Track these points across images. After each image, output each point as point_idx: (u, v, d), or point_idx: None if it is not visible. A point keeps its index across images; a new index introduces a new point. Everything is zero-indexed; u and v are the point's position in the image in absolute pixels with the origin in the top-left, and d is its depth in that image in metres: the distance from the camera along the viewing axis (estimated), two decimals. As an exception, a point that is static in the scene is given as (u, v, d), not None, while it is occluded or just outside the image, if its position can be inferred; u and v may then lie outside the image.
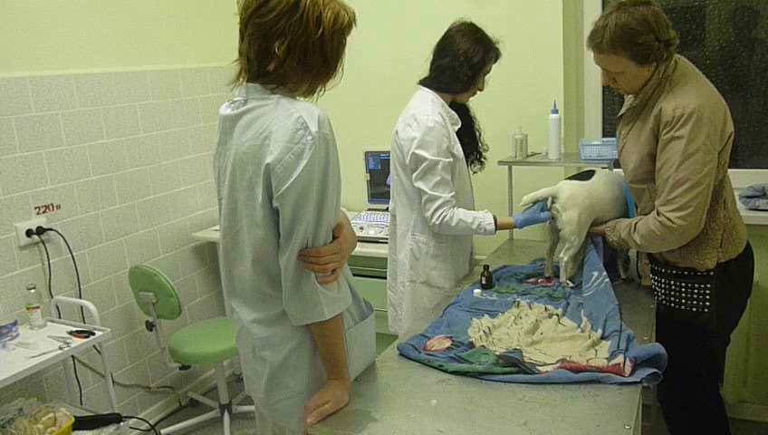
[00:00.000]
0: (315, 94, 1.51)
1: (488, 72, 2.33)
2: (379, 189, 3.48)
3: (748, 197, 2.70)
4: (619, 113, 2.12)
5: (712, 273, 1.95)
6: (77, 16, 2.87)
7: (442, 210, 2.21)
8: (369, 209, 3.52)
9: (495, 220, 2.25)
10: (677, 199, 1.83)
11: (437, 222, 2.22)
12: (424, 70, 2.36)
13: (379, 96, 3.37)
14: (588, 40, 1.94)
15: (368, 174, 3.51)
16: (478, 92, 2.37)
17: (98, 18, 2.96)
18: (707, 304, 1.97)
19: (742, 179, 2.79)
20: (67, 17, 2.83)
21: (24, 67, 2.68)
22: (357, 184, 3.54)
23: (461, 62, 2.24)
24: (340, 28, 1.44)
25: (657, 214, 1.89)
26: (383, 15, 3.30)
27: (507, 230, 2.84)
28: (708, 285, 1.96)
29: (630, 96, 2.04)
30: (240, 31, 1.45)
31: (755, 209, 2.65)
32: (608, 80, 1.99)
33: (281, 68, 1.41)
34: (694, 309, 1.99)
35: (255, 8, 1.40)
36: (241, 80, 1.49)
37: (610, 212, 2.19)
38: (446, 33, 2.32)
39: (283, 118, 1.39)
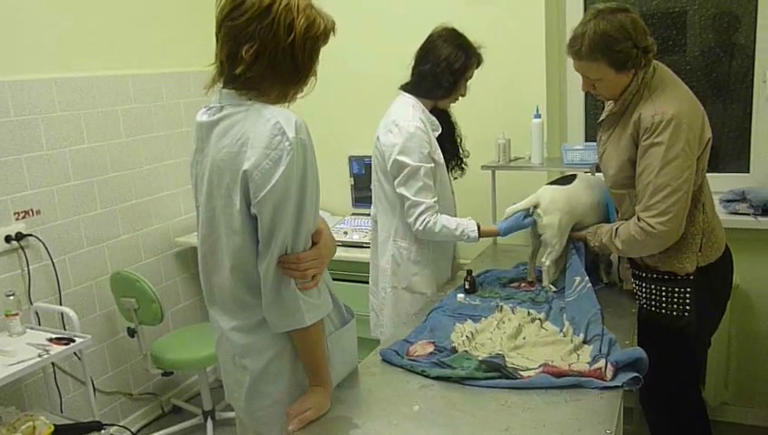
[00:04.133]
0: (287, 101, 1.50)
1: (470, 77, 2.33)
2: (363, 194, 3.47)
3: (728, 201, 2.73)
4: (599, 119, 2.13)
5: (692, 277, 1.97)
6: (57, 20, 2.84)
7: (425, 216, 2.21)
8: (354, 214, 3.51)
9: (479, 227, 2.25)
10: (658, 205, 1.84)
11: (421, 228, 2.22)
12: (408, 74, 2.36)
13: (364, 101, 3.36)
14: (567, 47, 1.95)
15: (352, 178, 3.50)
16: (460, 98, 2.37)
17: (79, 22, 2.93)
18: (687, 307, 1.99)
19: (722, 184, 2.81)
20: (47, 21, 2.80)
21: (3, 71, 2.65)
22: (341, 189, 3.53)
23: (442, 68, 2.25)
24: (314, 36, 1.43)
25: (638, 219, 1.90)
26: (367, 20, 3.30)
27: (491, 234, 2.84)
28: (688, 289, 1.98)
29: (610, 102, 2.06)
30: (216, 34, 1.44)
31: (735, 213, 2.68)
32: (587, 86, 2.00)
33: (248, 72, 1.39)
34: (674, 313, 2.01)
35: (228, 11, 1.39)
36: (215, 83, 1.48)
37: (591, 216, 2.20)
38: (427, 39, 2.32)
39: (259, 124, 1.38)
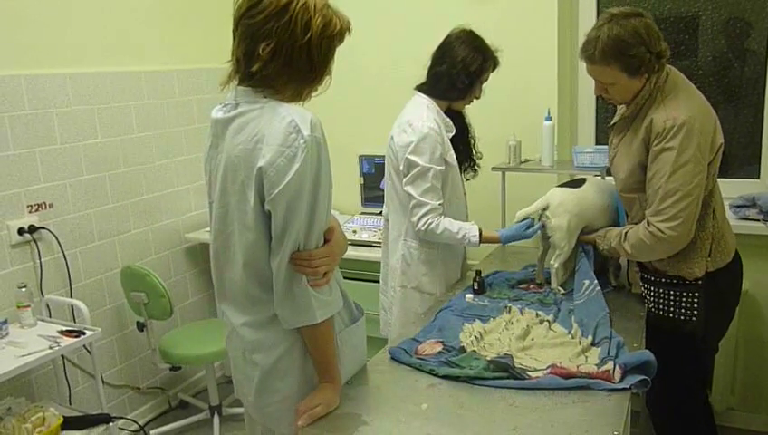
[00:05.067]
0: (302, 100, 1.51)
1: (485, 80, 2.34)
2: (372, 193, 3.49)
3: (738, 206, 2.73)
4: (611, 122, 2.14)
5: (700, 282, 1.97)
6: (73, 15, 2.87)
7: (428, 217, 2.22)
8: (363, 213, 3.53)
9: (480, 233, 2.27)
10: (668, 210, 1.85)
11: (423, 228, 2.24)
12: (420, 74, 2.37)
13: (375, 100, 3.38)
14: (580, 51, 1.95)
15: (362, 178, 3.52)
16: (474, 100, 2.38)
17: (93, 17, 2.95)
18: (695, 312, 1.99)
19: (732, 189, 2.81)
20: (63, 16, 2.82)
21: (19, 65, 2.68)
22: (351, 188, 3.54)
23: (458, 70, 2.25)
24: (330, 35, 1.44)
25: (648, 224, 1.91)
26: (379, 19, 3.31)
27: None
28: (696, 294, 1.98)
29: (622, 105, 2.06)
30: (233, 32, 1.46)
31: (745, 219, 2.68)
32: (600, 90, 2.00)
33: (265, 69, 1.41)
34: (682, 317, 2.01)
35: (246, 9, 1.41)
36: (231, 80, 1.49)
37: (600, 219, 2.20)
38: (444, 40, 2.32)
39: (275, 121, 1.39)
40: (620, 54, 1.86)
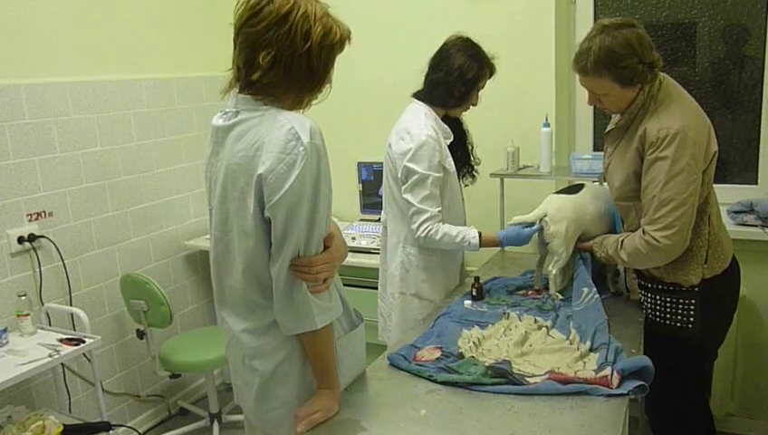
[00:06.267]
0: (302, 108, 1.52)
1: (482, 87, 2.35)
2: (371, 200, 3.50)
3: (736, 212, 2.74)
4: (606, 131, 2.14)
5: (696, 289, 1.97)
6: (72, 24, 2.88)
7: (428, 224, 2.23)
8: (362, 220, 3.53)
9: (480, 236, 2.27)
10: (663, 219, 1.85)
11: (423, 235, 2.24)
12: (418, 81, 2.38)
13: (373, 107, 3.40)
14: (573, 62, 1.96)
15: (360, 185, 3.53)
16: (471, 107, 2.39)
17: (93, 26, 2.97)
18: (692, 319, 1.99)
19: (730, 195, 2.82)
20: (62, 25, 2.84)
21: (19, 74, 2.69)
22: (350, 194, 3.55)
23: (455, 78, 2.26)
24: (330, 44, 1.45)
25: (643, 233, 1.91)
26: (378, 27, 3.33)
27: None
28: (693, 301, 1.98)
29: (617, 114, 2.07)
30: (233, 40, 1.47)
31: (743, 225, 2.69)
32: (593, 100, 2.01)
33: (265, 78, 1.42)
34: (679, 324, 2.01)
35: (247, 18, 1.42)
36: (231, 88, 1.50)
37: (598, 226, 2.21)
38: (441, 48, 2.34)
39: (275, 129, 1.40)
40: (612, 66, 1.87)
